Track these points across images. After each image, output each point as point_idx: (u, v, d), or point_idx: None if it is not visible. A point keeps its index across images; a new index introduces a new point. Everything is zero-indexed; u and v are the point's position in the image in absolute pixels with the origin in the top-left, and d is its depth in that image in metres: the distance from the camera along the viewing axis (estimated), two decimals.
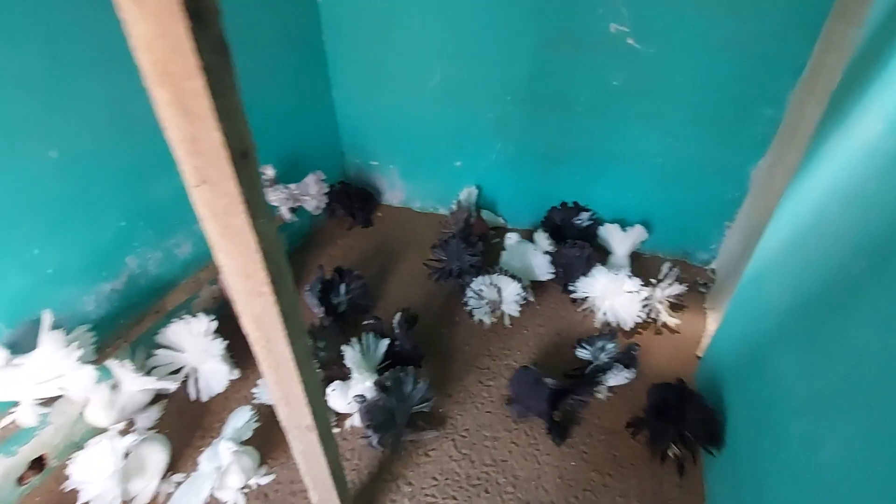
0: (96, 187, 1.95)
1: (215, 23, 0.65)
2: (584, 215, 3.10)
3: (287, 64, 2.88)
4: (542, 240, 3.02)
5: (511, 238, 3.05)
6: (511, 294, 2.61)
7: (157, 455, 1.86)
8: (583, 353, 2.26)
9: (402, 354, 2.31)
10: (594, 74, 2.72)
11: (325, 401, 1.25)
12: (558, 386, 2.06)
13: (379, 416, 1.93)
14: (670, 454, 1.95)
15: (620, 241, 3.00)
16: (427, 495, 1.89)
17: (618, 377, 2.16)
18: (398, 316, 2.36)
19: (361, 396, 1.99)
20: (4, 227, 1.67)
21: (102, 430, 2.12)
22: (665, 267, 2.74)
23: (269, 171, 2.70)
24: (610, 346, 2.24)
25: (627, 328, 2.55)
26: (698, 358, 2.45)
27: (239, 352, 2.44)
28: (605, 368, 2.17)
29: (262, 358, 1.09)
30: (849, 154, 1.42)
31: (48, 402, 1.78)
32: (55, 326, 1.80)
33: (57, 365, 1.69)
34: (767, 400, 1.54)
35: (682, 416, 1.91)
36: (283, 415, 1.23)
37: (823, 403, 1.23)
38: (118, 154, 2.01)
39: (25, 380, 1.67)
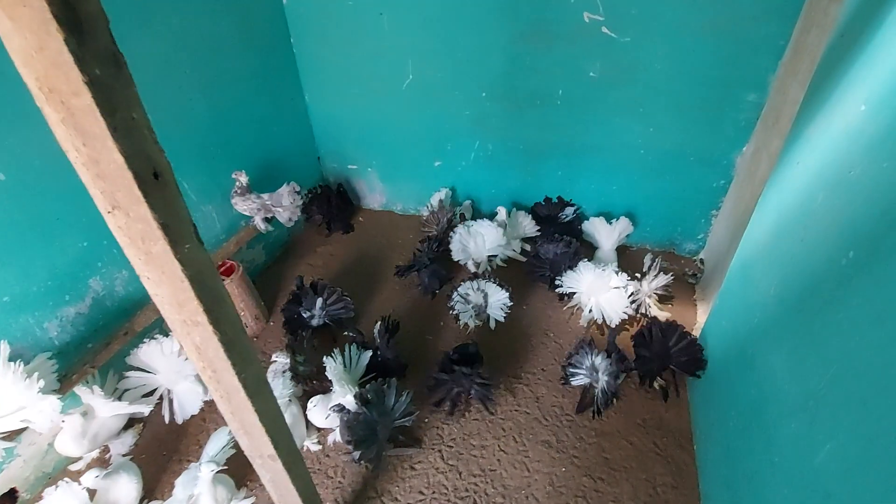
0: (52, 208, 1.86)
1: (100, 31, 0.57)
2: (569, 210, 3.04)
3: (254, 69, 2.78)
4: (526, 220, 3.04)
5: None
6: (497, 301, 2.54)
7: (127, 486, 1.77)
8: (579, 380, 2.15)
9: (385, 365, 2.24)
10: (570, 66, 2.64)
11: (287, 428, 1.17)
12: None
13: (360, 430, 1.85)
14: (656, 385, 2.09)
15: (606, 234, 2.93)
16: None
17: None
18: (378, 325, 2.29)
19: (340, 405, 1.92)
20: None
21: (76, 460, 2.05)
22: (647, 258, 2.69)
23: (241, 178, 2.60)
24: (599, 360, 2.14)
25: (614, 325, 2.48)
26: None
27: None
28: (609, 391, 2.07)
29: (212, 388, 1.01)
30: (832, 138, 1.35)
31: (11, 435, 1.69)
32: (14, 357, 1.71)
33: (17, 397, 1.61)
34: (758, 399, 1.47)
35: (666, 348, 2.11)
36: (243, 444, 1.16)
37: (816, 403, 1.17)
38: (73, 173, 1.91)
39: None
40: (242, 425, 1.07)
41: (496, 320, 2.57)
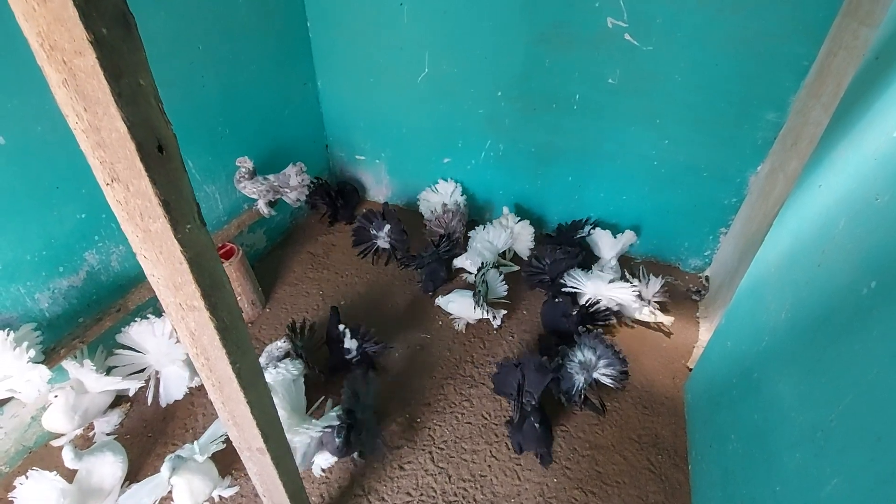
0: (51, 176, 1.81)
1: None
2: (586, 229, 2.95)
3: (268, 51, 2.73)
4: (527, 231, 3.04)
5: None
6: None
7: (112, 466, 1.73)
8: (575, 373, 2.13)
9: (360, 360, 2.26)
10: (589, 71, 2.60)
11: (279, 422, 1.13)
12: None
13: (346, 436, 1.78)
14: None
15: (610, 246, 2.89)
16: None
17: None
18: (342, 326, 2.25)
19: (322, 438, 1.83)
20: None
21: (58, 435, 2.00)
22: (642, 269, 2.66)
23: (247, 164, 2.56)
24: (597, 358, 2.11)
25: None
26: (689, 369, 2.35)
27: None
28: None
29: (204, 376, 0.97)
30: (858, 163, 1.31)
31: None
32: (1, 326, 1.67)
33: (4, 366, 1.56)
34: (763, 424, 1.44)
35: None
36: (232, 436, 1.12)
37: (825, 434, 1.13)
38: (75, 143, 1.87)
39: None
40: (233, 416, 1.03)
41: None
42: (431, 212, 3.20)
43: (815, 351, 1.26)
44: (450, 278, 2.91)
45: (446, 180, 3.28)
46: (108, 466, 1.72)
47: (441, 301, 2.59)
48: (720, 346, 1.99)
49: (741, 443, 1.55)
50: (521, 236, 3.06)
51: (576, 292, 2.58)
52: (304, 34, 3.01)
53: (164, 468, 1.61)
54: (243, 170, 2.58)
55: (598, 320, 2.51)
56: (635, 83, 2.55)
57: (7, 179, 1.68)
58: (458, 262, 2.86)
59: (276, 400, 1.66)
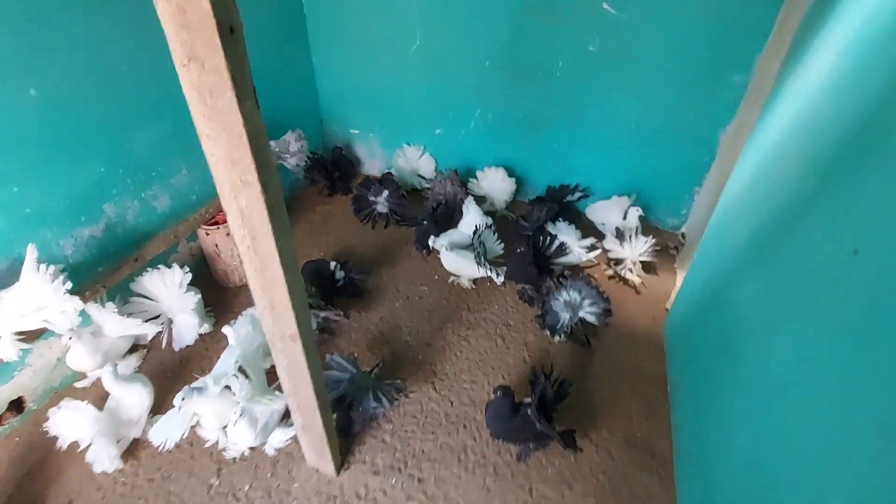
0: (76, 130, 1.94)
1: None
2: (577, 194, 3.20)
3: (264, 26, 2.86)
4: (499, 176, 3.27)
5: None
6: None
7: (141, 395, 1.86)
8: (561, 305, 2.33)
9: (344, 288, 2.50)
10: (571, 40, 2.79)
11: (308, 312, 1.28)
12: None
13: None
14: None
15: (608, 211, 3.11)
16: (407, 431, 1.95)
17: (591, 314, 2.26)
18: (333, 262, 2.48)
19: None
20: None
21: (82, 376, 2.12)
22: (628, 230, 2.86)
23: None
24: (582, 298, 2.30)
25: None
26: (667, 310, 2.56)
27: (214, 308, 2.46)
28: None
29: (247, 261, 1.12)
30: (804, 92, 1.51)
31: (29, 336, 1.77)
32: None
33: (40, 297, 1.69)
34: (728, 328, 1.64)
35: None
36: (267, 325, 1.27)
37: (777, 316, 1.33)
38: (98, 100, 2.00)
39: (6, 313, 1.66)
40: (271, 302, 1.19)
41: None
42: (421, 177, 3.42)
43: (769, 251, 1.46)
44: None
45: (410, 145, 3.51)
46: (136, 396, 1.85)
47: (438, 245, 2.71)
48: (693, 280, 2.20)
49: (711, 350, 1.75)
50: (495, 184, 3.24)
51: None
52: (298, 9, 3.14)
53: (182, 398, 1.74)
54: None
55: (555, 256, 2.72)
56: (614, 50, 2.75)
57: (36, 129, 1.80)
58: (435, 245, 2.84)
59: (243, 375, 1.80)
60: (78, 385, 2.11)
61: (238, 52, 0.82)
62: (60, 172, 1.92)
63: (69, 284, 1.73)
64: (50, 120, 1.84)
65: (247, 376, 1.83)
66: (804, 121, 1.45)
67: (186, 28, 0.78)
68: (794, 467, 1.07)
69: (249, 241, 1.07)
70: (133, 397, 1.87)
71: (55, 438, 1.78)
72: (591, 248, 2.80)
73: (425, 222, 2.93)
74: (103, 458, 1.70)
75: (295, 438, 1.87)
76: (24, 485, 1.76)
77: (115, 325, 2.05)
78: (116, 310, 2.04)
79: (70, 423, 1.75)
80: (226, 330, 1.95)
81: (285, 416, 1.86)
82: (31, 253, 1.70)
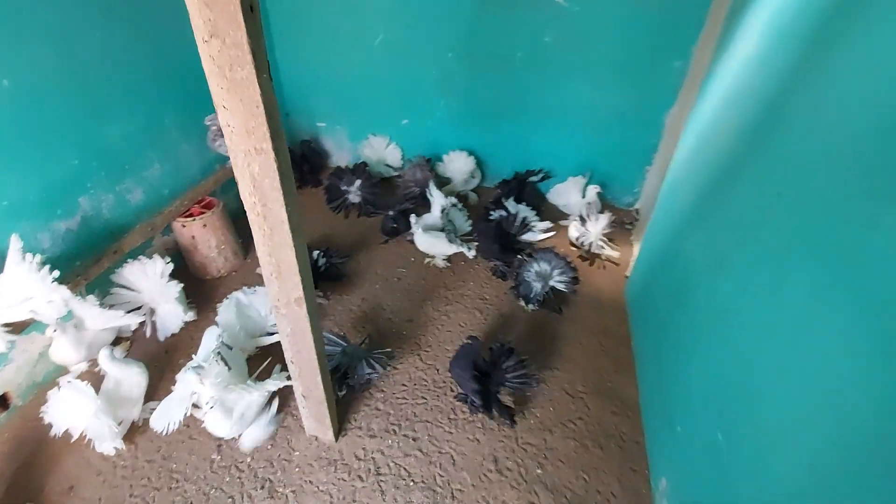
0: (49, 122, 1.93)
1: None
2: (540, 174, 3.38)
3: None
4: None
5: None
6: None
7: (138, 377, 1.90)
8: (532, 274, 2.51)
9: (327, 273, 2.60)
10: (528, 32, 2.98)
11: (311, 277, 1.38)
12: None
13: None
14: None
15: (567, 192, 3.33)
16: (398, 398, 2.07)
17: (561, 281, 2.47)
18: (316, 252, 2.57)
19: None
20: None
21: (65, 371, 2.11)
22: (584, 207, 3.09)
23: (216, 122, 2.72)
24: (552, 269, 2.50)
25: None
26: (627, 278, 2.80)
27: (193, 300, 2.48)
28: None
29: (256, 227, 1.22)
30: (733, 70, 1.75)
31: (17, 327, 1.76)
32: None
33: (27, 288, 1.69)
34: (679, 278, 1.86)
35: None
36: (273, 291, 1.36)
37: (718, 257, 1.55)
38: (70, 91, 2.00)
39: None
40: (277, 266, 1.28)
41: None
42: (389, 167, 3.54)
43: (710, 206, 1.69)
44: (406, 228, 3.18)
45: (375, 135, 3.63)
46: (134, 377, 1.88)
47: (414, 227, 2.81)
48: (647, 248, 2.44)
49: (666, 301, 1.97)
50: (459, 166, 3.42)
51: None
52: (261, 4, 3.18)
53: (187, 377, 1.78)
54: (214, 128, 2.74)
55: (519, 233, 2.93)
56: (567, 41, 2.97)
57: (10, 120, 1.79)
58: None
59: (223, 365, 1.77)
60: (62, 380, 2.09)
61: (257, 28, 0.93)
62: (35, 165, 1.91)
63: (56, 273, 1.74)
64: (23, 111, 1.83)
65: (226, 364, 1.81)
66: (733, 94, 1.69)
67: (210, 6, 0.88)
68: (738, 381, 1.28)
69: (260, 208, 1.17)
70: (131, 378, 1.89)
71: (47, 430, 1.79)
72: (549, 229, 3.01)
73: (391, 213, 3.02)
74: (106, 436, 1.72)
75: (289, 413, 1.95)
76: (19, 477, 1.76)
77: (97, 317, 2.06)
78: (97, 302, 2.04)
79: (70, 403, 1.76)
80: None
81: (265, 407, 1.90)
82: (16, 243, 1.70)
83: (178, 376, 1.88)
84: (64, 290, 1.76)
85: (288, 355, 1.56)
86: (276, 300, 1.38)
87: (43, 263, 1.87)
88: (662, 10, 2.72)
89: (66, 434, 1.80)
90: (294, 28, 3.29)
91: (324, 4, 3.14)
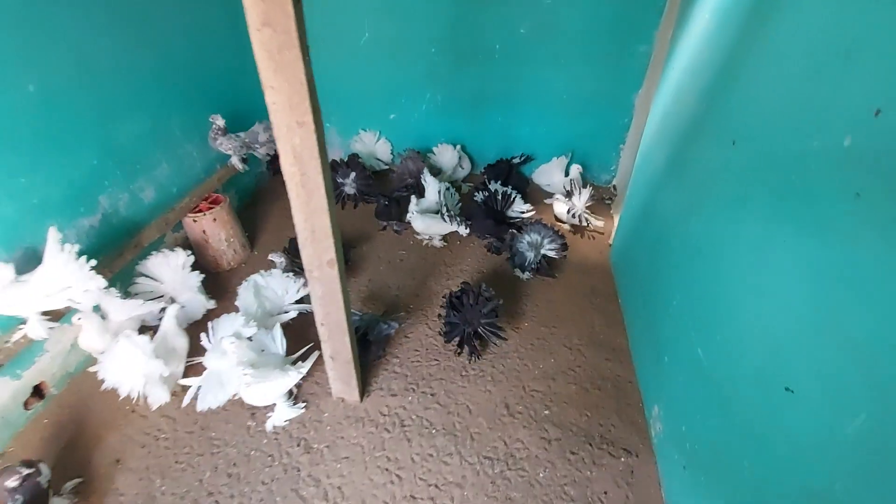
0: (69, 124, 2.05)
1: None
2: (517, 157, 3.66)
3: (213, 22, 3.00)
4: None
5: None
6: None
7: (182, 340, 2.05)
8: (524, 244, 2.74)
9: None
10: (505, 24, 3.21)
11: (341, 241, 1.55)
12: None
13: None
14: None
15: (550, 172, 3.57)
16: (413, 361, 2.26)
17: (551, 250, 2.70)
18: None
19: None
20: None
21: (94, 361, 2.22)
22: (567, 182, 3.33)
23: (219, 121, 2.85)
24: (542, 238, 2.73)
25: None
26: (610, 245, 3.05)
27: (208, 288, 2.60)
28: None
29: (295, 194, 1.39)
30: (690, 45, 2.00)
31: (56, 315, 1.88)
32: (39, 259, 1.90)
33: (65, 277, 1.81)
34: (658, 230, 2.10)
35: None
36: (307, 255, 1.53)
37: (689, 205, 1.79)
38: (86, 95, 2.12)
39: (33, 294, 1.78)
40: (313, 230, 1.46)
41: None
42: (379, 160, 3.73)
43: (679, 163, 1.93)
44: (401, 215, 3.35)
45: (365, 130, 3.82)
46: (179, 339, 2.05)
47: (412, 210, 3.02)
48: (626, 215, 2.69)
49: (647, 255, 2.21)
50: (447, 157, 3.65)
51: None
52: None
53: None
54: (216, 126, 2.87)
55: (506, 207, 3.18)
56: (542, 31, 3.20)
57: (36, 123, 1.91)
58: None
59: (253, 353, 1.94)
60: (91, 370, 2.21)
61: (301, 18, 1.11)
62: (59, 164, 2.03)
63: (93, 262, 1.87)
64: (47, 114, 1.95)
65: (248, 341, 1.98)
66: (692, 66, 1.94)
67: (264, 0, 1.06)
68: (711, 302, 1.51)
69: (299, 177, 1.35)
70: (178, 338, 2.05)
71: (85, 414, 1.92)
72: (529, 210, 3.25)
73: (386, 202, 3.20)
74: (159, 386, 1.90)
75: (314, 382, 2.12)
76: (64, 458, 1.87)
77: (120, 307, 2.17)
78: (119, 294, 2.16)
79: (125, 357, 1.89)
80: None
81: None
82: (54, 234, 1.82)
83: (207, 357, 2.03)
84: (99, 279, 1.88)
85: (318, 318, 1.73)
86: (310, 264, 1.56)
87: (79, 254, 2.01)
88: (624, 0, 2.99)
89: (105, 418, 1.93)
90: None
91: (311, 6, 3.28)
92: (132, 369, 1.87)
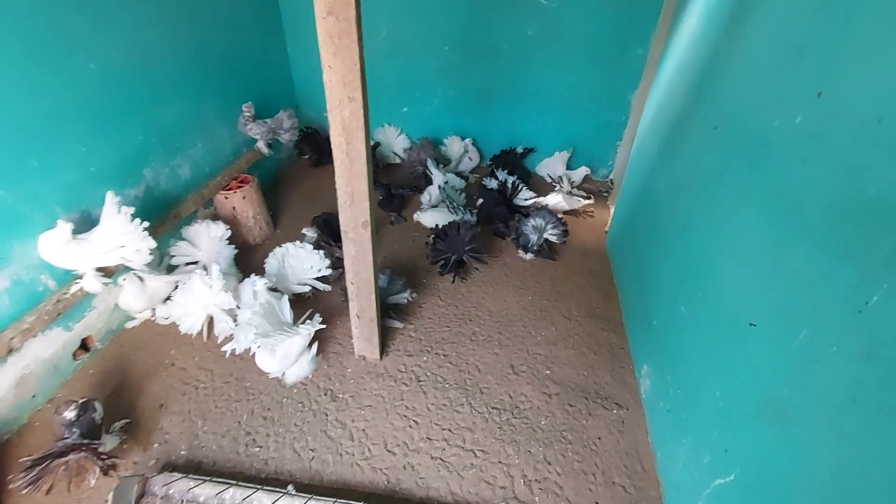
0: (122, 101, 2.27)
1: None
2: (520, 148, 3.91)
3: (243, 18, 3.23)
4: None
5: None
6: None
7: (233, 280, 2.32)
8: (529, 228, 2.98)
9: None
10: (513, 27, 3.46)
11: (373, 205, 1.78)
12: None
13: None
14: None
15: (553, 166, 3.81)
16: (427, 327, 2.48)
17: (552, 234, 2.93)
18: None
19: None
20: (61, 125, 1.97)
21: (132, 318, 2.43)
22: (548, 174, 3.59)
23: (251, 109, 3.08)
24: (546, 223, 2.97)
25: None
26: (606, 232, 3.29)
27: (236, 262, 2.81)
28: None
29: (339, 161, 1.62)
30: (681, 45, 2.25)
31: (109, 271, 2.09)
32: (94, 222, 2.10)
33: (120, 237, 2.03)
34: (651, 211, 2.34)
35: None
36: (345, 217, 1.76)
37: (678, 185, 2.03)
38: (137, 75, 2.34)
39: (91, 251, 1.99)
40: (352, 193, 1.68)
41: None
42: (395, 154, 3.94)
43: (670, 148, 2.17)
44: (403, 205, 3.54)
45: (390, 125, 4.06)
46: (232, 279, 2.41)
47: (419, 214, 3.28)
48: (621, 204, 2.93)
49: (640, 234, 2.45)
50: (456, 148, 3.88)
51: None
52: (274, 4, 3.56)
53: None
54: (247, 114, 3.10)
55: (514, 195, 3.43)
56: (547, 34, 3.45)
57: (96, 99, 2.13)
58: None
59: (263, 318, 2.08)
60: (129, 326, 2.41)
61: (359, 8, 1.34)
62: (113, 137, 2.25)
63: (146, 224, 2.08)
64: (104, 91, 2.17)
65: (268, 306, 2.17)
66: (681, 63, 2.18)
67: None
68: (693, 265, 1.75)
69: (345, 146, 1.57)
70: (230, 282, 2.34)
71: (129, 366, 2.14)
72: (533, 197, 3.50)
73: (381, 196, 3.40)
74: (225, 318, 2.23)
75: (337, 342, 2.34)
76: (111, 402, 2.05)
77: (154, 277, 2.37)
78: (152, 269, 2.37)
79: (195, 290, 2.22)
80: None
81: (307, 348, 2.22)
82: (112, 198, 2.04)
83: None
84: (150, 241, 2.10)
85: (349, 276, 1.95)
86: (346, 225, 1.78)
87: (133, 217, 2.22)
88: (627, 5, 3.24)
89: (148, 368, 2.14)
90: (304, 25, 3.68)
91: None
92: (199, 304, 2.10)
